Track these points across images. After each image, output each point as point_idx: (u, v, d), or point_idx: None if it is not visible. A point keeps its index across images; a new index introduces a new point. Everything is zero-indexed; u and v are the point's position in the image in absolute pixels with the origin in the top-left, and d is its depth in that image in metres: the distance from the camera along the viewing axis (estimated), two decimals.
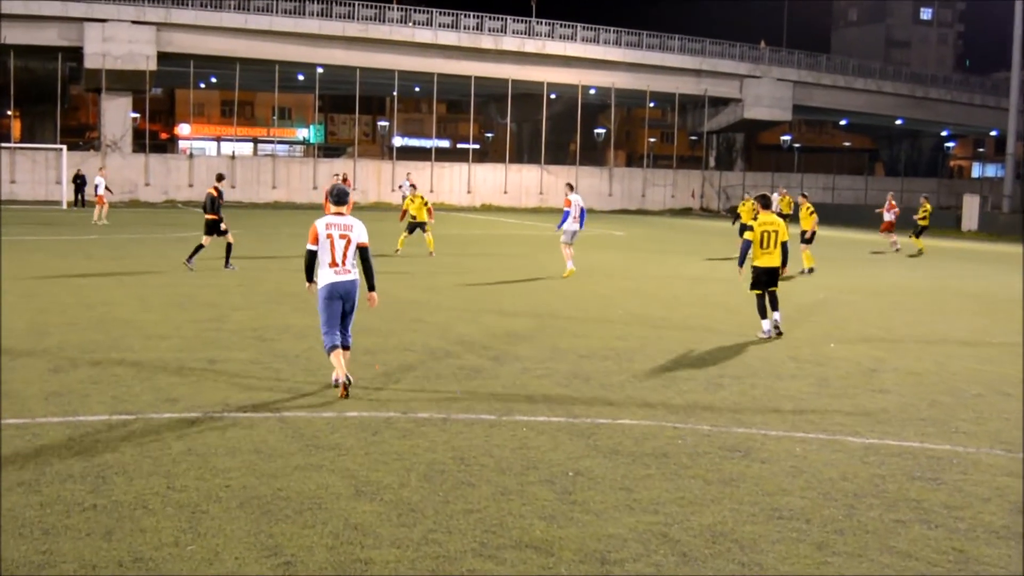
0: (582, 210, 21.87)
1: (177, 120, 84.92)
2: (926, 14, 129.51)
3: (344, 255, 9.59)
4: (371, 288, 9.83)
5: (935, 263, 29.18)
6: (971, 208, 50.84)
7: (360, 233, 9.66)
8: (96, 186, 37.34)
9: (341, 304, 9.67)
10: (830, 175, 72.45)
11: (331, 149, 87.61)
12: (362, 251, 9.70)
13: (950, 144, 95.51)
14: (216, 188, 20.95)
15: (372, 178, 61.31)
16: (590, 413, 9.16)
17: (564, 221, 21.82)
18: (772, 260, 14.09)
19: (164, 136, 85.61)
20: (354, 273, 9.71)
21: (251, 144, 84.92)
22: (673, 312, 16.47)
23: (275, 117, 76.32)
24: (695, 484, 7.15)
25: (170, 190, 56.09)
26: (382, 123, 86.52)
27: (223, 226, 20.72)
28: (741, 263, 14.41)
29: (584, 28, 64.52)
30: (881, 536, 6.23)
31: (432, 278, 20.64)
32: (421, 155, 72.59)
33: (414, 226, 26.45)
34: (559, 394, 9.93)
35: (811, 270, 24.00)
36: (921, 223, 32.56)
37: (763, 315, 14.10)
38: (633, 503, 6.70)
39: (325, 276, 9.62)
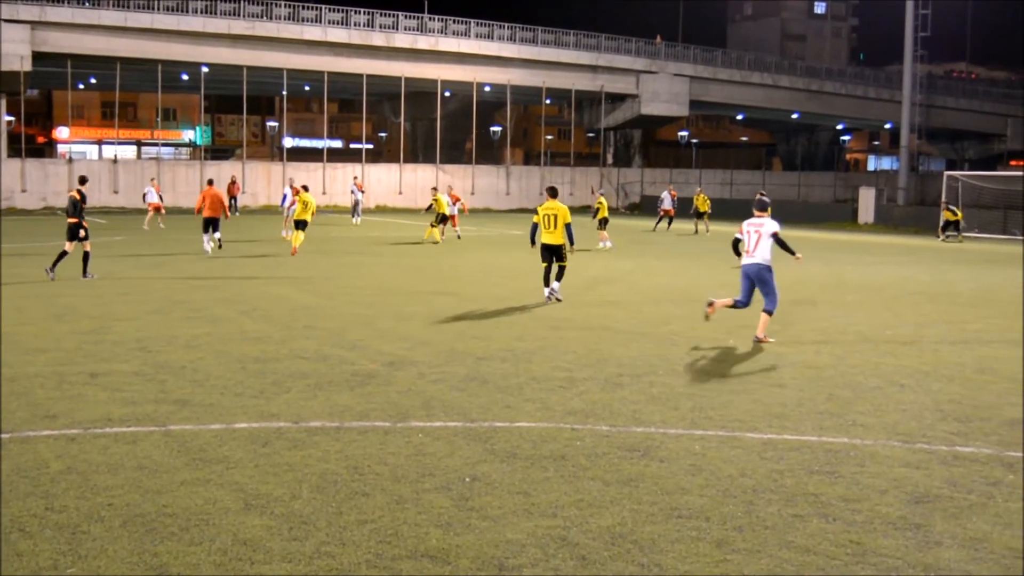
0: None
1: (55, 123, 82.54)
2: (820, 8, 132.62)
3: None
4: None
5: (833, 256, 29.75)
6: (867, 201, 51.95)
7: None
8: (145, 195, 40.43)
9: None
10: (728, 170, 73.24)
11: (219, 151, 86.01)
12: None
13: (846, 137, 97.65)
14: (79, 191, 20.14)
15: (262, 180, 60.26)
16: (487, 417, 9.04)
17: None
18: (554, 238, 17.31)
19: (41, 140, 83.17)
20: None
21: (134, 147, 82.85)
22: (573, 312, 16.44)
23: (159, 119, 74.39)
24: (594, 486, 7.08)
25: (49, 196, 54.20)
26: (271, 123, 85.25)
27: (83, 232, 19.75)
28: (532, 242, 17.80)
29: (478, 24, 64.30)
30: (780, 531, 6.24)
31: (326, 283, 20.35)
32: (313, 156, 71.63)
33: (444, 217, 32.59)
34: (455, 398, 9.78)
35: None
36: (600, 216, 32.69)
37: (546, 283, 17.43)
38: (531, 507, 6.61)
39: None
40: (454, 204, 34.67)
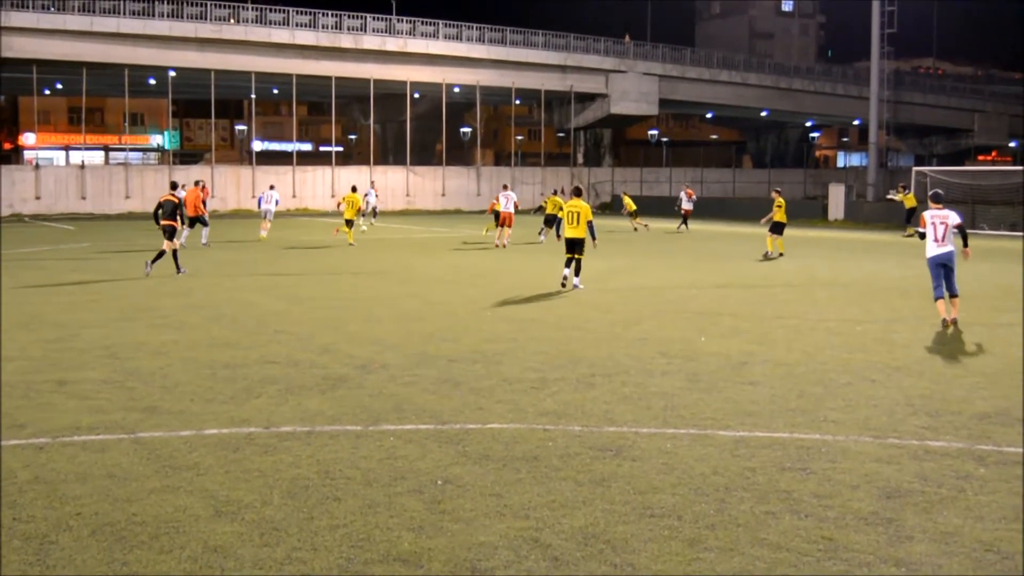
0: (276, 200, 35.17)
1: (21, 129, 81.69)
2: (788, 6, 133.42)
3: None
4: None
5: (804, 252, 29.87)
6: (837, 197, 52.21)
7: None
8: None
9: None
10: (698, 168, 73.45)
11: (187, 155, 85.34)
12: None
13: (815, 134, 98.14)
14: (174, 195, 22.15)
15: (231, 185, 59.90)
16: (459, 419, 9.01)
17: (263, 204, 34.79)
18: (576, 232, 19.45)
19: (7, 146, 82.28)
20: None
21: (102, 152, 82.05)
22: (544, 312, 16.43)
23: (127, 123, 73.69)
24: (566, 486, 7.07)
25: (15, 203, 53.67)
26: (240, 127, 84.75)
27: (172, 231, 21.71)
28: (558, 236, 20.40)
29: (446, 25, 64.18)
30: (752, 529, 6.25)
31: (296, 287, 20.26)
32: (282, 159, 71.30)
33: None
34: (427, 401, 9.74)
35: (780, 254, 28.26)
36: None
37: (567, 267, 19.43)
38: (504, 509, 6.59)
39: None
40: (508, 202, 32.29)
